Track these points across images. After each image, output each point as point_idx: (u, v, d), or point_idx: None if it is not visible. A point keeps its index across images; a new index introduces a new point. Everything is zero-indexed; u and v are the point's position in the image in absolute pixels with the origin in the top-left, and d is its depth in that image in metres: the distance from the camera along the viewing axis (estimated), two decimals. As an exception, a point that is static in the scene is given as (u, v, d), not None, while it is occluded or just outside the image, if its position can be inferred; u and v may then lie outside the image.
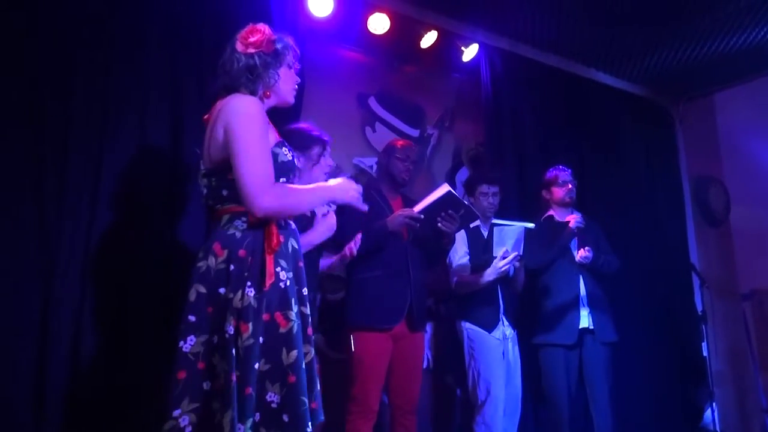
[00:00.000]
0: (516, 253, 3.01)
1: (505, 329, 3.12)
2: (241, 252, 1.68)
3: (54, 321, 2.22)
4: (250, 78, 1.80)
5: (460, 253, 3.17)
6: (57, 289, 2.24)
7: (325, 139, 2.54)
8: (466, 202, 2.79)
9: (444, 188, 2.69)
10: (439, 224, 2.74)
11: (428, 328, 3.55)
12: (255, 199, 1.64)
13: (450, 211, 2.73)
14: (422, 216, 2.70)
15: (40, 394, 2.16)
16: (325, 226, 2.34)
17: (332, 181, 1.94)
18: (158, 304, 2.40)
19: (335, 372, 2.95)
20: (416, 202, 3.02)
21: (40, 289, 2.23)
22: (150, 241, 2.46)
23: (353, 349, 2.71)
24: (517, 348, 3.17)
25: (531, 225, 3.07)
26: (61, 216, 2.29)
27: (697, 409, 4.30)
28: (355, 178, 3.52)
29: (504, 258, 2.99)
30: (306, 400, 1.66)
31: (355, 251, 2.56)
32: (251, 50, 1.80)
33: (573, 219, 3.28)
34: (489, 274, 3.03)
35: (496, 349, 3.07)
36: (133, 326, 2.35)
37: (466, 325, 3.13)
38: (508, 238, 3.02)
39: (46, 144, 2.31)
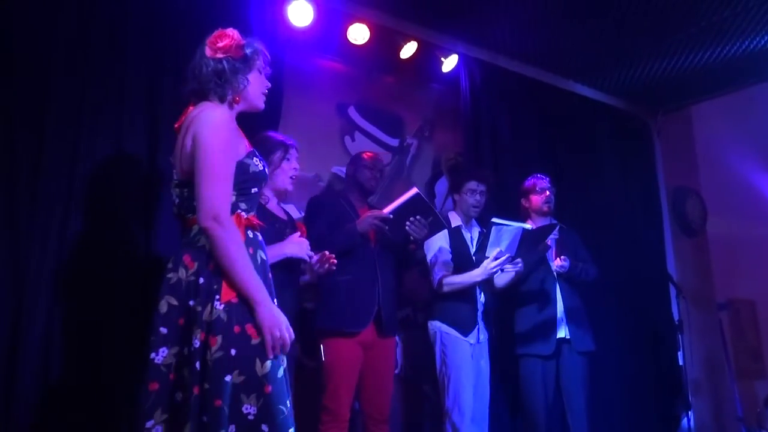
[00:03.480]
0: (508, 255, 2.95)
1: (480, 333, 3.09)
2: (211, 265, 1.67)
3: (24, 328, 2.19)
4: (219, 83, 1.79)
5: (443, 252, 3.11)
6: (28, 296, 2.22)
7: (288, 143, 2.54)
8: (435, 210, 2.79)
9: (413, 191, 2.71)
10: (407, 227, 2.75)
11: (405, 336, 3.56)
12: (206, 217, 1.64)
13: (418, 217, 2.74)
14: (391, 216, 2.69)
15: (7, 403, 2.14)
16: (297, 243, 2.33)
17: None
18: (131, 312, 2.38)
19: (311, 380, 2.95)
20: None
21: (10, 297, 2.20)
22: (123, 248, 2.45)
23: (324, 358, 2.70)
24: (487, 353, 3.14)
25: (529, 226, 3.04)
26: (33, 222, 2.28)
27: (674, 418, 4.33)
28: (331, 184, 3.55)
29: (497, 259, 2.93)
30: (284, 409, 1.65)
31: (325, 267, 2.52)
32: (219, 55, 1.79)
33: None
34: (478, 275, 2.97)
35: (468, 354, 3.03)
36: (106, 334, 2.33)
37: (441, 328, 3.05)
38: (504, 238, 2.95)
39: (19, 148, 2.29)
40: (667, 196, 5.06)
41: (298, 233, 2.43)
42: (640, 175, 4.84)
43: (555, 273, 3.32)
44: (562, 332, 3.27)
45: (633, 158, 4.83)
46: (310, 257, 2.40)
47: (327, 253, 2.46)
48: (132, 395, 2.20)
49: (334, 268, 2.49)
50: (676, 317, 4.46)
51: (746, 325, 5.15)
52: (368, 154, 3.08)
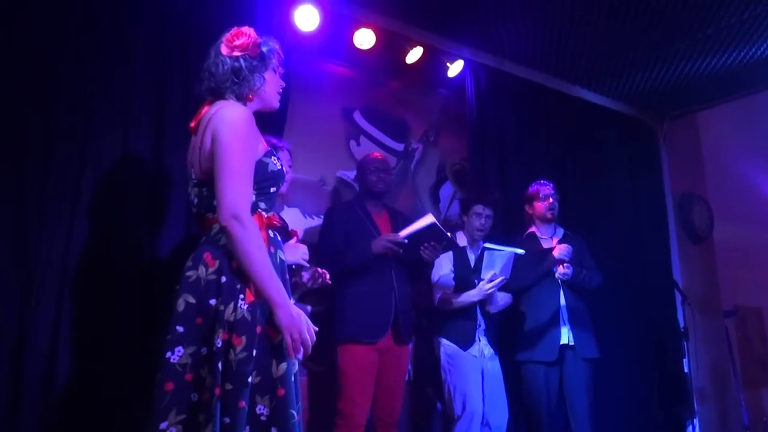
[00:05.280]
0: (503, 278, 3.05)
1: (483, 348, 3.14)
2: (234, 264, 1.67)
3: (31, 332, 2.20)
4: (236, 81, 1.78)
5: (445, 272, 3.20)
6: (34, 297, 2.22)
7: (279, 146, 2.55)
8: (449, 234, 2.85)
9: (429, 218, 2.76)
10: (421, 252, 2.82)
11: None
12: (227, 216, 1.63)
13: (433, 243, 2.81)
14: (406, 241, 2.76)
15: (13, 404, 2.14)
16: (292, 249, 2.32)
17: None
18: (137, 315, 2.39)
19: (318, 385, 2.95)
20: (402, 215, 3.07)
21: (17, 297, 2.21)
22: (129, 251, 2.45)
23: (339, 363, 2.71)
24: (498, 366, 3.18)
25: (521, 251, 3.10)
26: (40, 224, 2.29)
27: (679, 426, 4.30)
28: (338, 189, 3.57)
29: (491, 281, 3.03)
30: (295, 413, 1.65)
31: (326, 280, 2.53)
32: (236, 53, 1.78)
33: (559, 250, 3.28)
34: (473, 295, 3.09)
35: (472, 363, 3.09)
36: (112, 337, 2.34)
37: (443, 342, 3.16)
38: (498, 262, 3.06)
39: (27, 151, 2.30)
40: (674, 203, 5.03)
41: (294, 240, 2.44)
42: (646, 181, 4.82)
43: (559, 280, 3.32)
44: (566, 338, 3.27)
45: (639, 164, 4.81)
46: (306, 260, 2.40)
47: (319, 270, 2.48)
48: (136, 397, 2.23)
49: (329, 282, 2.50)
50: (681, 324, 4.44)
51: (753, 332, 5.12)
52: (371, 156, 3.13)
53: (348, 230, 2.87)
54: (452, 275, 3.21)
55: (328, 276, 2.49)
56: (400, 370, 2.91)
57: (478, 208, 3.28)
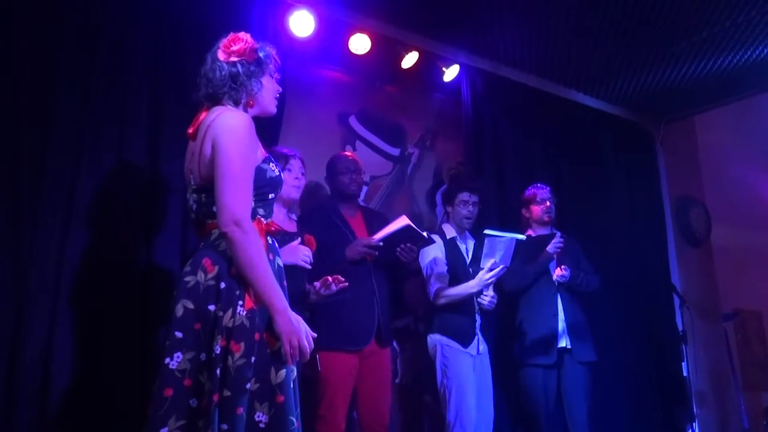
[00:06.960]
0: (503, 266, 2.95)
1: (479, 345, 3.08)
2: (234, 270, 1.67)
3: (26, 338, 2.20)
4: (234, 87, 1.79)
5: (437, 256, 3.12)
6: (29, 303, 2.22)
7: (290, 155, 2.57)
8: (425, 235, 2.80)
9: (403, 220, 2.73)
10: (398, 254, 2.79)
11: (406, 345, 3.54)
12: (228, 223, 1.63)
13: (409, 245, 2.78)
14: (381, 243, 2.74)
15: (9, 413, 2.13)
16: (288, 251, 2.34)
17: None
18: (133, 320, 2.39)
19: (306, 389, 2.93)
20: (378, 214, 3.04)
21: (12, 303, 2.21)
22: (125, 256, 2.45)
23: (319, 368, 2.69)
24: (488, 365, 3.13)
25: (522, 237, 3.01)
26: (35, 230, 2.28)
27: (678, 430, 4.28)
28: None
29: (491, 270, 2.93)
30: (294, 420, 1.65)
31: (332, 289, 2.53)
32: (234, 59, 1.79)
33: (552, 243, 3.24)
34: (473, 286, 2.97)
35: (469, 367, 3.02)
36: (107, 343, 2.33)
37: (441, 341, 3.04)
38: (498, 249, 2.94)
39: (22, 155, 2.31)
40: (671, 206, 5.04)
41: (297, 241, 2.44)
42: (643, 185, 4.82)
43: (556, 283, 3.31)
44: (563, 342, 3.26)
45: (636, 168, 4.81)
46: (307, 262, 2.41)
47: (329, 278, 2.48)
48: (132, 402, 2.22)
49: (347, 284, 2.50)
50: (680, 328, 4.42)
51: (753, 336, 5.11)
52: (340, 156, 3.07)
53: (323, 238, 2.73)
54: (446, 266, 3.11)
55: (342, 280, 2.48)
56: (383, 374, 2.84)
57: (464, 196, 3.22)
